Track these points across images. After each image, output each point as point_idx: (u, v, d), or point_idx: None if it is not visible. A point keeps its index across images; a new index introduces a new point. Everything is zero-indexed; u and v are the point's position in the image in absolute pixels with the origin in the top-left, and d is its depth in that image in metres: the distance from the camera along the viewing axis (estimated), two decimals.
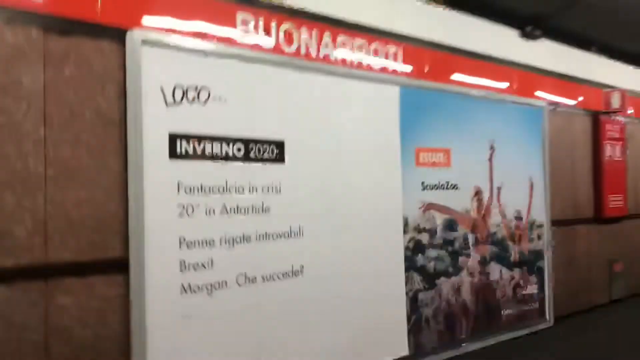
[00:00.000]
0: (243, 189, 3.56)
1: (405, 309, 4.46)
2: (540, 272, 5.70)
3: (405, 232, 4.48)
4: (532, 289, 5.60)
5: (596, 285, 6.59)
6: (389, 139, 4.42)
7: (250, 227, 3.59)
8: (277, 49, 3.82)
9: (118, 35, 3.12)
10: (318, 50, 4.04)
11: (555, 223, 5.90)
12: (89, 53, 3.06)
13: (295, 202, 3.82)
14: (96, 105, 3.07)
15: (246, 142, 3.57)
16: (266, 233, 3.67)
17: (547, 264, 5.76)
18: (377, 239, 4.28)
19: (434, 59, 4.90)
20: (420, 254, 4.59)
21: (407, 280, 4.48)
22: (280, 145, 3.74)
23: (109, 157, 3.10)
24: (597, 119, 6.63)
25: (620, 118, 6.87)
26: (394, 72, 4.52)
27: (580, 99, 6.48)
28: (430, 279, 4.66)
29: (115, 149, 3.11)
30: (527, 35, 5.74)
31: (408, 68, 4.63)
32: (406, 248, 4.48)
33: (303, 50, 3.95)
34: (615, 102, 6.70)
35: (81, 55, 3.04)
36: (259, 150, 3.64)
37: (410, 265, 4.50)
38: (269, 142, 3.69)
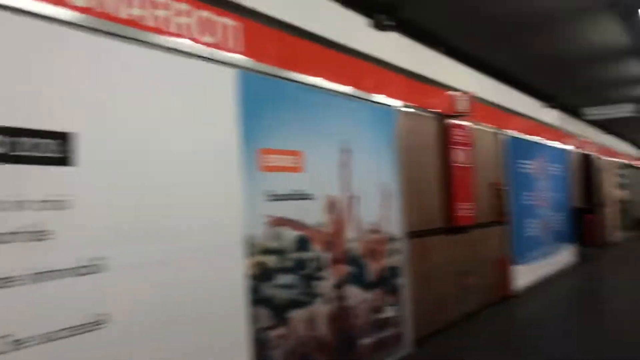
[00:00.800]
0: (4, 205, 2.31)
1: (247, 356, 3.45)
2: (398, 291, 5.07)
3: (248, 255, 3.50)
4: (390, 311, 4.93)
5: (449, 300, 6.17)
6: (225, 136, 3.42)
7: (18, 263, 2.35)
8: (60, 1, 2.63)
9: None
10: (125, 8, 2.91)
11: (410, 235, 5.32)
12: None
13: (94, 222, 2.65)
14: None
15: (9, 134, 2.34)
16: (46, 270, 2.45)
17: (405, 281, 5.15)
18: (211, 267, 3.24)
19: (281, 41, 4.01)
20: (267, 283, 3.64)
21: (252, 318, 3.50)
22: (65, 140, 2.55)
23: None
24: (444, 123, 6.25)
25: (466, 122, 6.59)
26: (230, 51, 3.54)
27: (429, 100, 6.05)
28: (280, 312, 3.73)
29: None
30: (378, 25, 5.12)
31: (248, 48, 3.67)
32: (249, 276, 3.50)
33: (100, 6, 2.79)
34: (463, 106, 6.40)
35: None
36: (32, 146, 2.42)
37: (254, 298, 3.52)
38: (49, 135, 2.49)
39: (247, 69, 3.62)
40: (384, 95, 5.10)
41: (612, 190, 15.53)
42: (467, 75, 7.14)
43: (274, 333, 3.65)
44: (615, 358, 5.05)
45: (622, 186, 17.22)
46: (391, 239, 5.02)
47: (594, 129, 14.69)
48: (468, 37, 6.43)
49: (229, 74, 3.48)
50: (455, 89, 6.47)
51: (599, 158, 14.13)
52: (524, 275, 8.19)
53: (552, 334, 5.90)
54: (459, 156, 6.39)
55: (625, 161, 18.59)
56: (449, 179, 6.23)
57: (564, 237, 10.45)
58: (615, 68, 8.70)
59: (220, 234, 3.33)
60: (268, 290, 3.64)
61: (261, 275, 3.59)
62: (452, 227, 6.24)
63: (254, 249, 3.55)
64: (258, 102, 3.69)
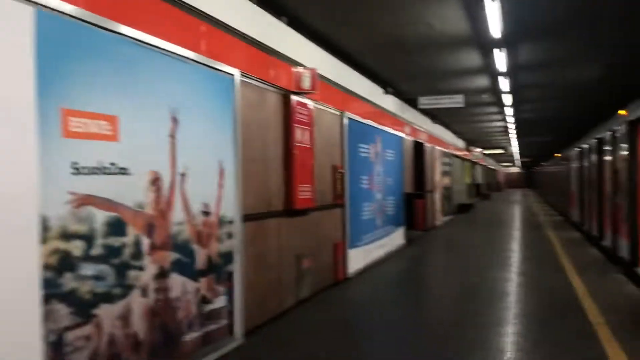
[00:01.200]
0: None
1: None
2: (230, 279, 4.63)
3: (44, 241, 2.82)
4: (220, 301, 4.47)
5: (285, 286, 5.87)
6: (12, 89, 2.69)
7: None
8: None
9: None
10: None
11: (246, 218, 4.90)
12: None
13: None
14: None
15: None
16: None
17: (238, 268, 4.72)
18: None
19: None
20: (69, 274, 2.98)
21: (47, 317, 2.83)
22: None
23: None
24: (287, 99, 5.89)
25: (309, 101, 6.30)
26: None
27: (272, 72, 5.63)
28: (86, 308, 3.09)
29: None
30: None
31: None
32: (45, 266, 2.83)
33: None
34: (306, 83, 6.08)
35: None
36: None
37: (51, 292, 2.86)
38: None
39: (50, 9, 2.90)
40: (222, 62, 4.57)
41: (438, 177, 16.54)
42: (311, 50, 6.83)
43: (75, 333, 3.02)
44: (434, 331, 5.37)
45: (446, 174, 18.48)
46: (224, 222, 4.55)
47: (426, 117, 15.46)
48: (312, 9, 6.12)
49: (24, 11, 2.75)
50: (299, 64, 6.12)
51: (429, 146, 14.91)
52: (358, 258, 8.22)
53: (382, 316, 5.91)
54: (301, 136, 6.09)
55: (451, 151, 19.98)
56: (290, 159, 5.90)
57: (395, 221, 10.78)
58: (450, 58, 9.01)
59: (5, 213, 2.62)
60: (70, 282, 2.99)
61: (61, 265, 2.93)
62: (291, 210, 5.93)
63: (53, 232, 2.88)
64: (64, 52, 3.00)
